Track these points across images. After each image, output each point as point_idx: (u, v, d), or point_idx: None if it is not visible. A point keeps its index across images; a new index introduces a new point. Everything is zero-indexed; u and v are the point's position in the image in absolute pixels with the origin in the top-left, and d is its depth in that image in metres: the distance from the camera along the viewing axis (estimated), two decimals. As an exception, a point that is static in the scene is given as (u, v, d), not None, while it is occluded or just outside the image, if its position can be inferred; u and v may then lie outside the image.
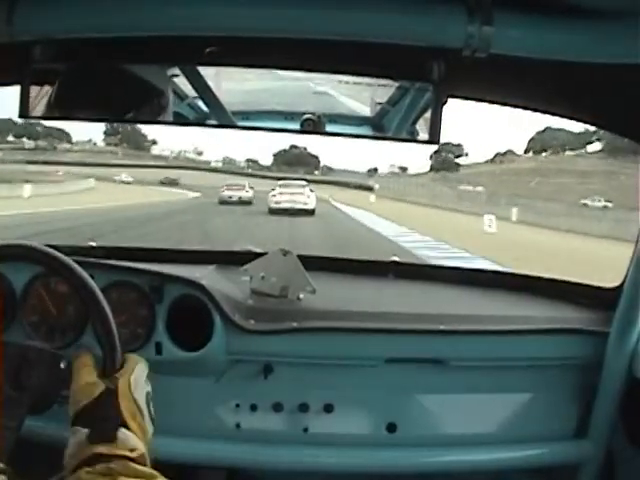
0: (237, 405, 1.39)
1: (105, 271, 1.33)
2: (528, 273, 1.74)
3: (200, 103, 1.05)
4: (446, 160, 48.12)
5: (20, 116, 1.02)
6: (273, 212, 19.27)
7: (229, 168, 39.37)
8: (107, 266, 1.36)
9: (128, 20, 0.90)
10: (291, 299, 1.45)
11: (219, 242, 10.28)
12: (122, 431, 0.78)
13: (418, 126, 1.01)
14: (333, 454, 1.39)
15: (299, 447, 1.38)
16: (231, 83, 1.04)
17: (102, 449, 0.75)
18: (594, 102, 1.14)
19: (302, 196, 20.07)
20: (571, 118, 1.22)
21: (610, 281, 1.47)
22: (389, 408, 1.41)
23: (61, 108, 1.06)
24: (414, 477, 1.46)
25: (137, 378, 0.84)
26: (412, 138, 1.03)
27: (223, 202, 22.19)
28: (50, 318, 1.31)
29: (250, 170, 38.82)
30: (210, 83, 1.03)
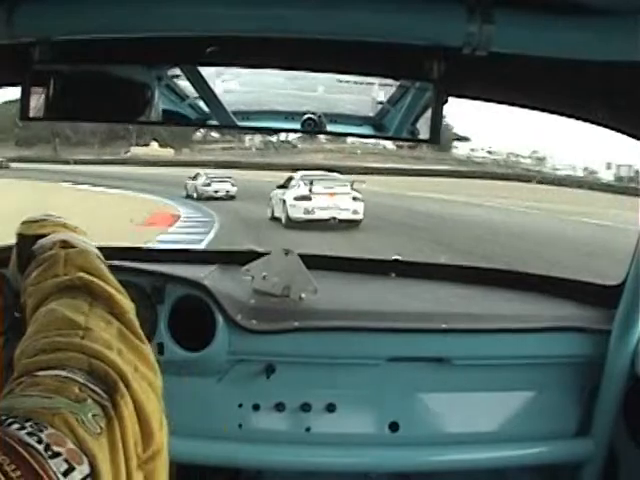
0: (239, 405, 1.39)
1: None
2: (530, 272, 1.74)
3: (201, 103, 1.05)
4: None
5: (21, 118, 1.02)
6: (295, 226, 10.83)
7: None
8: (108, 266, 1.36)
9: (128, 21, 0.90)
10: (293, 299, 1.45)
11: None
12: (37, 244, 0.74)
13: (419, 125, 1.01)
14: (336, 453, 1.39)
15: (301, 447, 1.38)
16: (231, 83, 1.04)
17: (27, 271, 0.72)
18: (594, 100, 1.14)
19: (347, 198, 11.44)
20: (571, 116, 1.22)
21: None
22: (391, 407, 1.41)
23: (63, 109, 1.06)
24: (417, 475, 1.47)
25: (28, 216, 0.83)
26: (413, 137, 1.03)
27: (206, 198, 15.33)
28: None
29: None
30: (211, 83, 1.03)
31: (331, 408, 1.39)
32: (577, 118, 1.23)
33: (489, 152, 32.04)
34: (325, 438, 1.39)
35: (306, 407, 1.38)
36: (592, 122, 1.23)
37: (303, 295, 1.45)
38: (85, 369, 0.51)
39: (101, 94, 1.05)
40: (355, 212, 11.26)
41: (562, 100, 1.20)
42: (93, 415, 0.47)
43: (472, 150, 32.26)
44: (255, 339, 1.35)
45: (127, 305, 0.64)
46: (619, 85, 1.04)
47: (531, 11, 0.86)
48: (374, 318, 1.40)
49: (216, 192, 15.87)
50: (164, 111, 1.05)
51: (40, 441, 0.42)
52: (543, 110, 1.25)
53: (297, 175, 12.24)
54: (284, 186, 11.96)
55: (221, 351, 1.35)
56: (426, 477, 1.45)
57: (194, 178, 16.72)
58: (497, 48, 0.87)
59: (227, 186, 16.19)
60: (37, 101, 1.03)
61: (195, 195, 16.03)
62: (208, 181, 16.27)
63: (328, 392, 1.39)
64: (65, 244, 0.72)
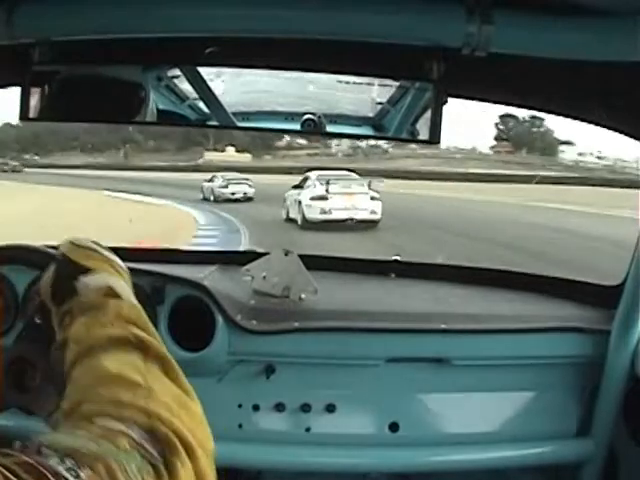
0: (239, 405, 1.39)
1: None
2: (529, 272, 1.74)
3: (201, 104, 1.05)
4: None
5: (21, 118, 1.02)
6: (311, 227, 10.55)
7: None
8: None
9: (128, 21, 0.90)
10: (293, 299, 1.45)
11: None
12: (81, 281, 0.72)
13: (418, 126, 1.01)
14: (335, 454, 1.39)
15: (301, 447, 1.38)
16: (231, 84, 1.04)
17: (66, 307, 0.71)
18: (594, 101, 1.14)
19: (365, 198, 11.06)
20: (571, 117, 1.22)
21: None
22: (391, 407, 1.41)
23: (63, 110, 1.06)
24: (417, 476, 1.47)
25: (77, 237, 0.79)
26: (412, 138, 1.03)
27: (223, 200, 15.16)
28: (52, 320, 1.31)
29: None
30: (210, 84, 1.03)
31: (331, 408, 1.39)
32: (576, 118, 1.23)
33: (599, 157, 29.86)
34: (325, 438, 1.39)
35: (306, 407, 1.38)
36: (591, 122, 1.23)
37: (303, 296, 1.45)
38: (145, 429, 0.51)
39: (101, 94, 1.05)
40: (373, 212, 10.92)
41: (561, 100, 1.20)
42: (138, 467, 0.47)
43: (580, 155, 30.21)
44: (255, 339, 1.35)
45: (177, 365, 0.64)
46: (618, 85, 1.05)
47: (530, 12, 0.86)
48: (374, 318, 1.41)
49: (233, 194, 15.65)
50: (164, 111, 1.05)
51: (78, 477, 0.42)
52: (542, 110, 1.25)
53: (313, 175, 11.99)
54: (299, 186, 11.70)
55: (221, 351, 1.36)
56: (426, 477, 1.45)
57: (210, 180, 16.48)
58: (496, 49, 0.87)
59: (244, 188, 15.98)
60: (37, 101, 1.03)
61: (212, 198, 15.79)
62: (225, 183, 16.04)
63: (328, 392, 1.39)
64: (110, 292, 0.71)
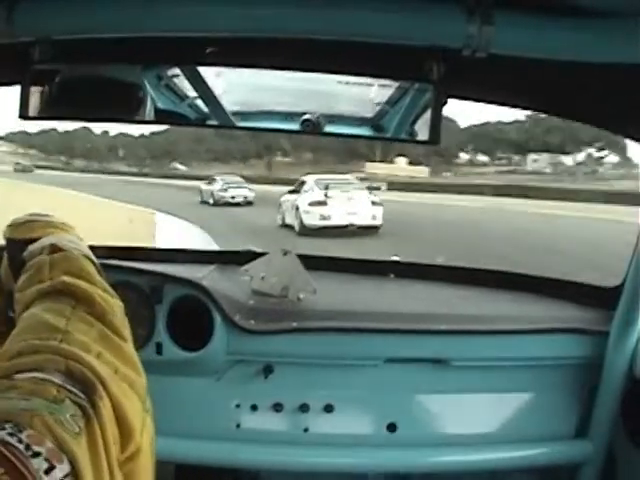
0: (237, 405, 1.39)
1: (105, 271, 1.32)
2: (528, 273, 1.74)
3: (200, 103, 1.05)
4: None
5: (20, 117, 1.02)
6: (310, 233, 10.09)
7: None
8: (107, 266, 1.36)
9: (129, 21, 0.90)
10: (291, 299, 1.45)
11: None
12: (27, 250, 0.73)
13: (418, 127, 1.01)
14: (333, 454, 1.39)
15: (299, 447, 1.39)
16: (230, 83, 1.04)
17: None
18: (594, 102, 1.14)
19: (366, 203, 10.68)
20: (571, 118, 1.22)
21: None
22: (389, 408, 1.41)
23: (63, 108, 1.06)
24: (414, 476, 1.47)
25: (15, 218, 0.81)
26: (412, 139, 1.02)
27: (223, 204, 14.76)
28: None
29: None
30: (210, 83, 1.03)
31: (329, 409, 1.39)
32: (577, 120, 1.23)
33: None
34: (323, 439, 1.39)
35: (304, 408, 1.38)
36: (592, 124, 1.23)
37: (301, 295, 1.45)
38: (62, 371, 0.51)
39: (101, 93, 1.04)
40: (374, 217, 10.49)
41: (562, 102, 1.20)
42: (71, 415, 0.47)
43: None
44: (253, 339, 1.35)
45: (110, 305, 0.63)
46: (618, 87, 1.04)
47: (531, 12, 0.85)
48: (372, 319, 1.41)
49: (233, 198, 15.31)
50: (163, 111, 1.05)
51: (20, 441, 0.42)
52: (543, 112, 1.25)
53: (310, 179, 11.57)
54: (295, 191, 11.28)
55: (219, 351, 1.36)
56: (424, 478, 1.45)
57: (209, 183, 16.32)
58: (497, 50, 0.86)
59: (244, 192, 15.69)
60: (37, 100, 1.03)
61: (211, 201, 15.55)
62: (225, 187, 15.77)
63: (326, 393, 1.39)
64: (54, 248, 0.71)
